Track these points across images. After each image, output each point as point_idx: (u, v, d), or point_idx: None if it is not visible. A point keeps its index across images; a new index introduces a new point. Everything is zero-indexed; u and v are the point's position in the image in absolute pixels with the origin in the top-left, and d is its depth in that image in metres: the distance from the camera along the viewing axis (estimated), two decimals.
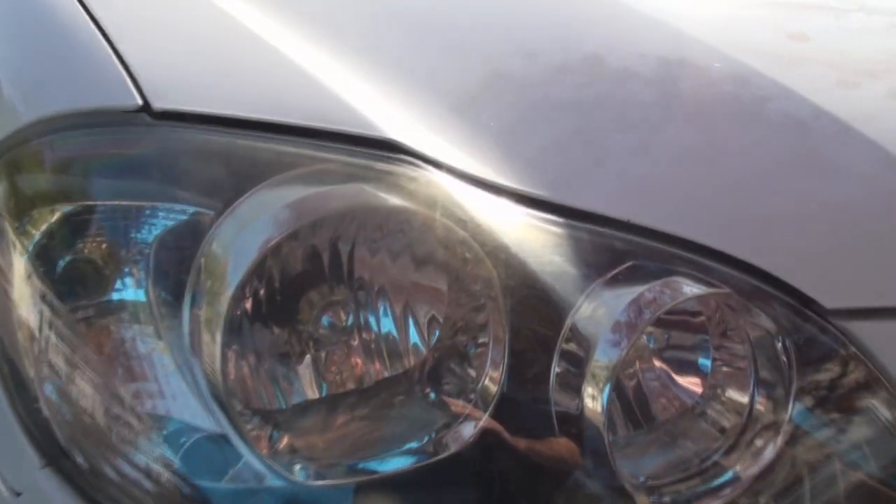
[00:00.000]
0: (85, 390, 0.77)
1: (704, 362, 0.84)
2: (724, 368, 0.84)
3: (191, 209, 0.74)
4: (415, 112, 0.81)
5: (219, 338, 0.69)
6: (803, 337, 0.79)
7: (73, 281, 0.77)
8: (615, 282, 0.76)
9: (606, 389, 0.73)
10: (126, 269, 0.76)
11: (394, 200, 0.74)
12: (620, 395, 0.81)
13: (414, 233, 0.75)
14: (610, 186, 0.79)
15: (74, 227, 0.78)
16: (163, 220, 0.76)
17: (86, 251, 0.77)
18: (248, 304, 0.73)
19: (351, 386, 0.79)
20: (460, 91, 0.84)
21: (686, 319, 0.82)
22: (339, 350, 0.79)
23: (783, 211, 0.80)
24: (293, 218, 0.72)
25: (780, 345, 0.80)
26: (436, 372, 0.81)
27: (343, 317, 0.79)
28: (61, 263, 0.78)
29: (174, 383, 0.76)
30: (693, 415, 0.84)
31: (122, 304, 0.77)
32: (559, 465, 0.77)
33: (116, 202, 0.77)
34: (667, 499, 0.78)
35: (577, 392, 0.74)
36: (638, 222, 0.76)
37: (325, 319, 0.79)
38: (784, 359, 0.79)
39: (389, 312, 0.79)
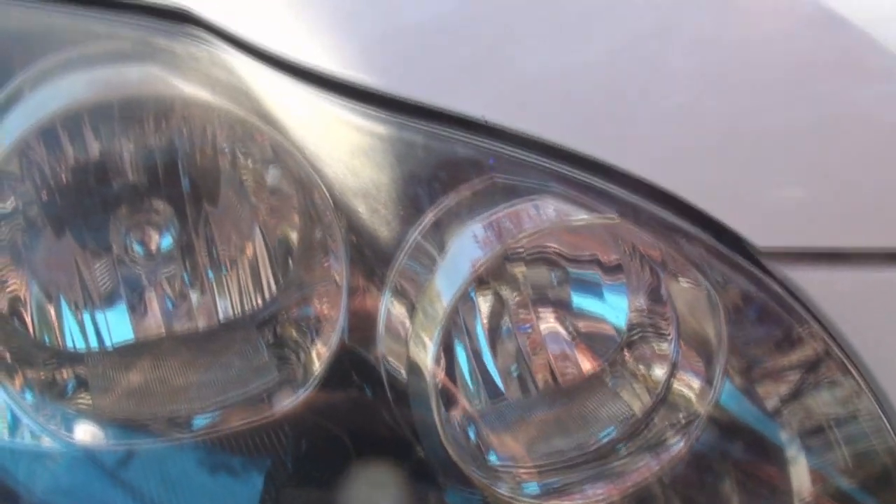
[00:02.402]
0: None
1: (619, 320, 0.65)
2: (641, 333, 0.65)
3: None
4: None
5: None
6: (732, 289, 0.59)
7: None
8: (468, 202, 0.58)
9: (437, 335, 0.55)
10: None
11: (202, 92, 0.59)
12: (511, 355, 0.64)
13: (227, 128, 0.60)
14: (465, 76, 0.60)
15: None
16: None
17: None
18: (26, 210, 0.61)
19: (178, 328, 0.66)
20: None
21: (594, 259, 0.64)
22: (162, 280, 0.65)
23: (708, 120, 0.60)
24: (70, 103, 0.58)
25: (708, 301, 0.60)
26: (274, 322, 0.66)
27: (157, 238, 0.65)
28: None
29: None
30: (600, 386, 0.65)
31: None
32: (396, 440, 0.60)
33: None
34: (532, 488, 0.60)
35: (406, 342, 0.57)
36: (500, 124, 0.58)
37: (136, 245, 0.65)
38: (714, 322, 0.60)
39: (229, 235, 0.65)
